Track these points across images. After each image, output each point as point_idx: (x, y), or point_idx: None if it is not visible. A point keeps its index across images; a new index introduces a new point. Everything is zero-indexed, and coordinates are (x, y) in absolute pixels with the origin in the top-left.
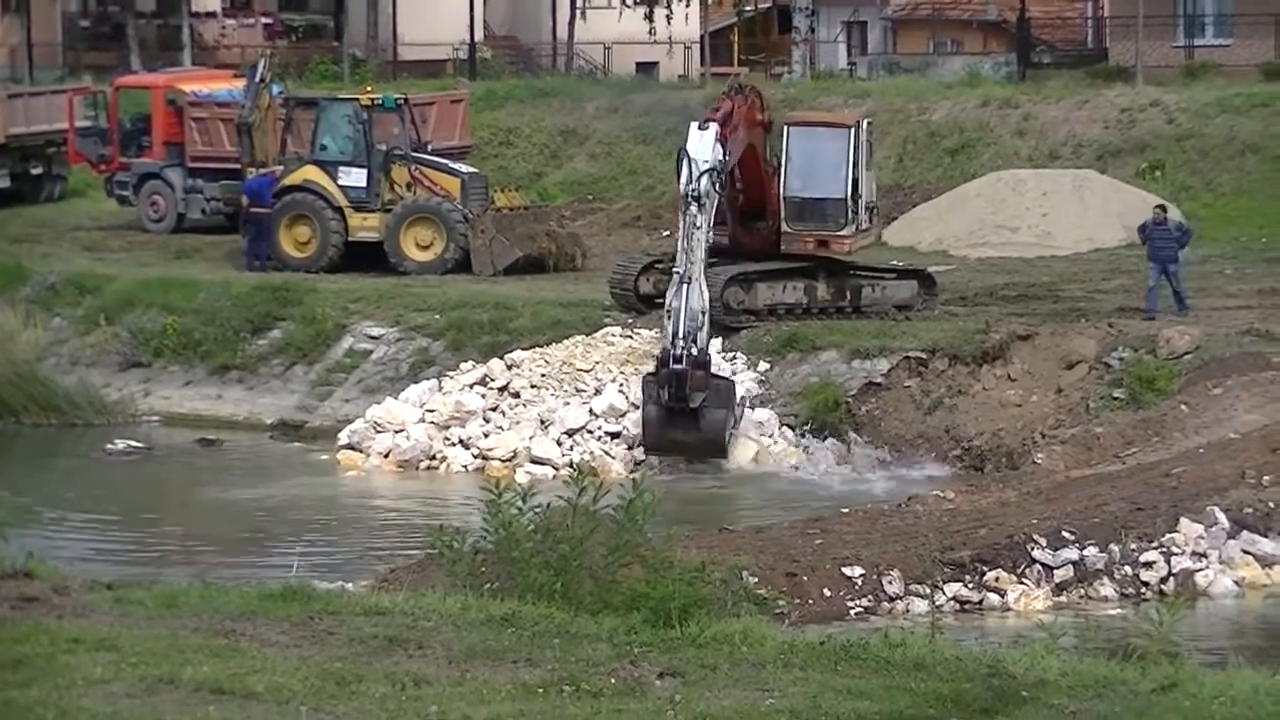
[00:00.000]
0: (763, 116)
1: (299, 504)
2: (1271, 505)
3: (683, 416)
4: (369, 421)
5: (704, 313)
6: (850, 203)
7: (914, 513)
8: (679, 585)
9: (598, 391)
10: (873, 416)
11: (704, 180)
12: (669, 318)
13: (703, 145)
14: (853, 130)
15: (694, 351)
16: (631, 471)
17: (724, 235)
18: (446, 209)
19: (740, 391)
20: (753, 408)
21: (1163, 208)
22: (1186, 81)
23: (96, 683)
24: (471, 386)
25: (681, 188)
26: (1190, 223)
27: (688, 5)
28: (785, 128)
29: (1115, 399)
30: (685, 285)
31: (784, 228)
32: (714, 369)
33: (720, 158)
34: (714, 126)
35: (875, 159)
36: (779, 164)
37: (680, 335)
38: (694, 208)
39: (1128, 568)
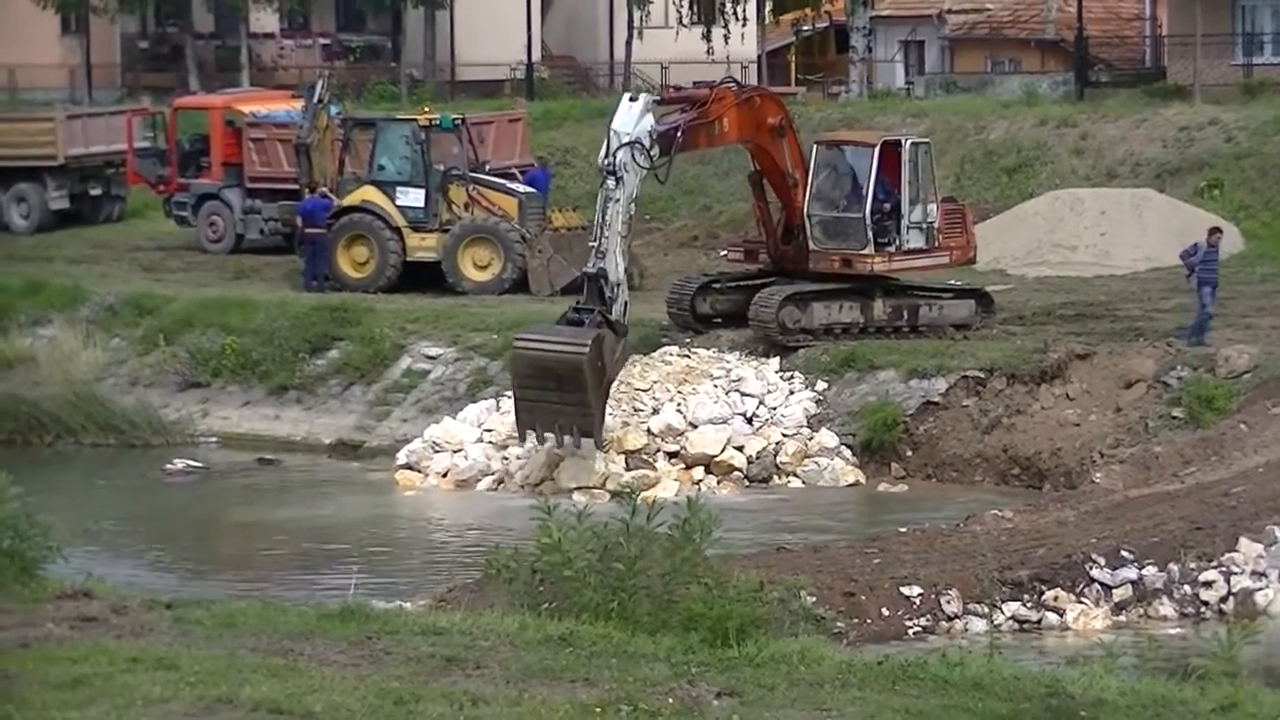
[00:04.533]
0: (777, 118)
1: (357, 524)
2: None
3: (571, 325)
4: (427, 441)
5: (619, 285)
6: (871, 222)
7: (972, 532)
8: (736, 605)
9: (655, 411)
10: (930, 436)
11: (621, 153)
12: (584, 283)
13: (628, 118)
14: (877, 149)
15: (607, 315)
16: (688, 491)
17: (764, 251)
18: (504, 229)
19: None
20: (813, 428)
21: (1218, 230)
22: (1245, 100)
23: (155, 702)
24: None
25: (600, 161)
26: (1249, 242)
27: (745, 25)
28: (814, 146)
29: (1174, 418)
30: (600, 258)
31: (811, 246)
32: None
33: (647, 129)
34: (644, 98)
35: (929, 178)
36: (800, 183)
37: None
38: (610, 181)
39: (1187, 587)
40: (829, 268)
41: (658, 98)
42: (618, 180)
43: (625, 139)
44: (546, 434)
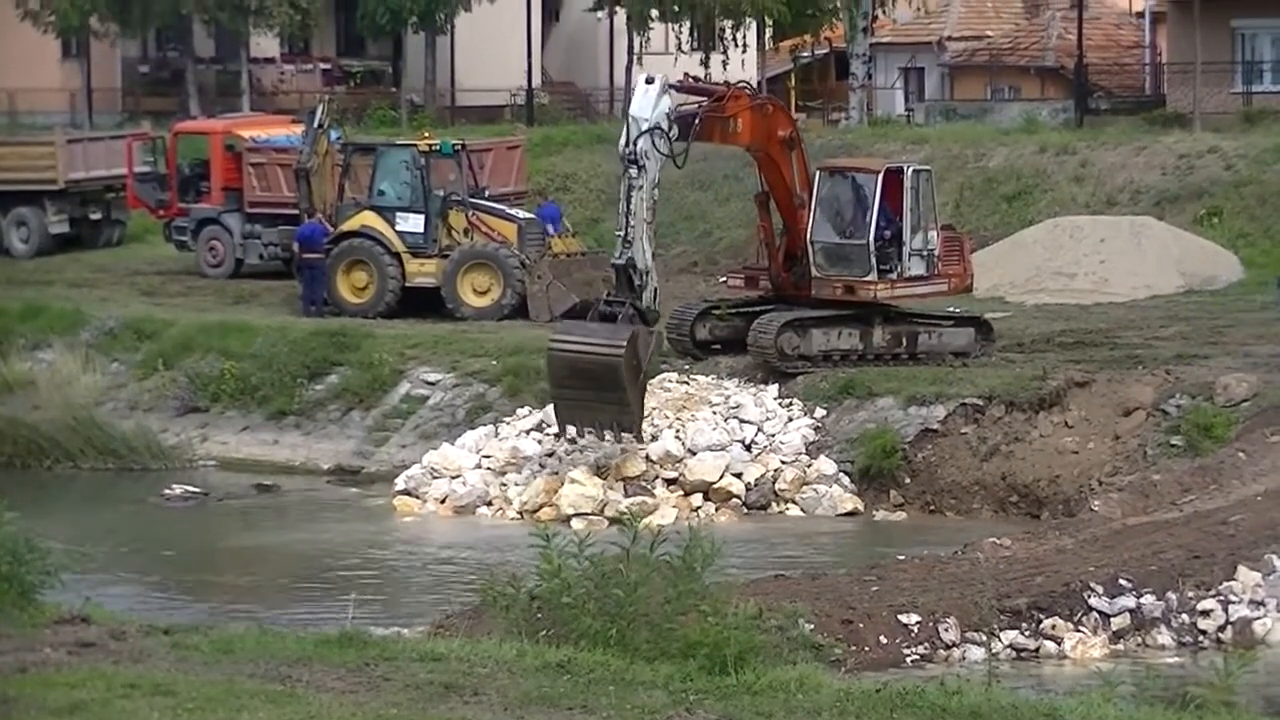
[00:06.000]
0: (786, 131)
1: (355, 549)
2: None
3: (605, 320)
4: (425, 467)
5: (648, 272)
6: (874, 249)
7: (971, 560)
8: (734, 632)
9: (654, 437)
10: (929, 463)
11: (642, 141)
12: (614, 275)
13: (645, 103)
14: (880, 176)
15: (637, 305)
16: (687, 517)
17: (765, 279)
18: (504, 255)
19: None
20: (812, 455)
21: None
22: (1244, 128)
23: None
24: (528, 432)
25: (620, 149)
26: (1249, 270)
27: (744, 51)
28: (816, 172)
29: (1173, 446)
30: (627, 247)
31: (814, 272)
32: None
33: (665, 112)
34: (659, 80)
35: (930, 205)
36: (806, 204)
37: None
38: (633, 170)
39: (1185, 616)
40: (831, 294)
41: (675, 82)
42: (640, 168)
43: (645, 125)
44: (586, 429)
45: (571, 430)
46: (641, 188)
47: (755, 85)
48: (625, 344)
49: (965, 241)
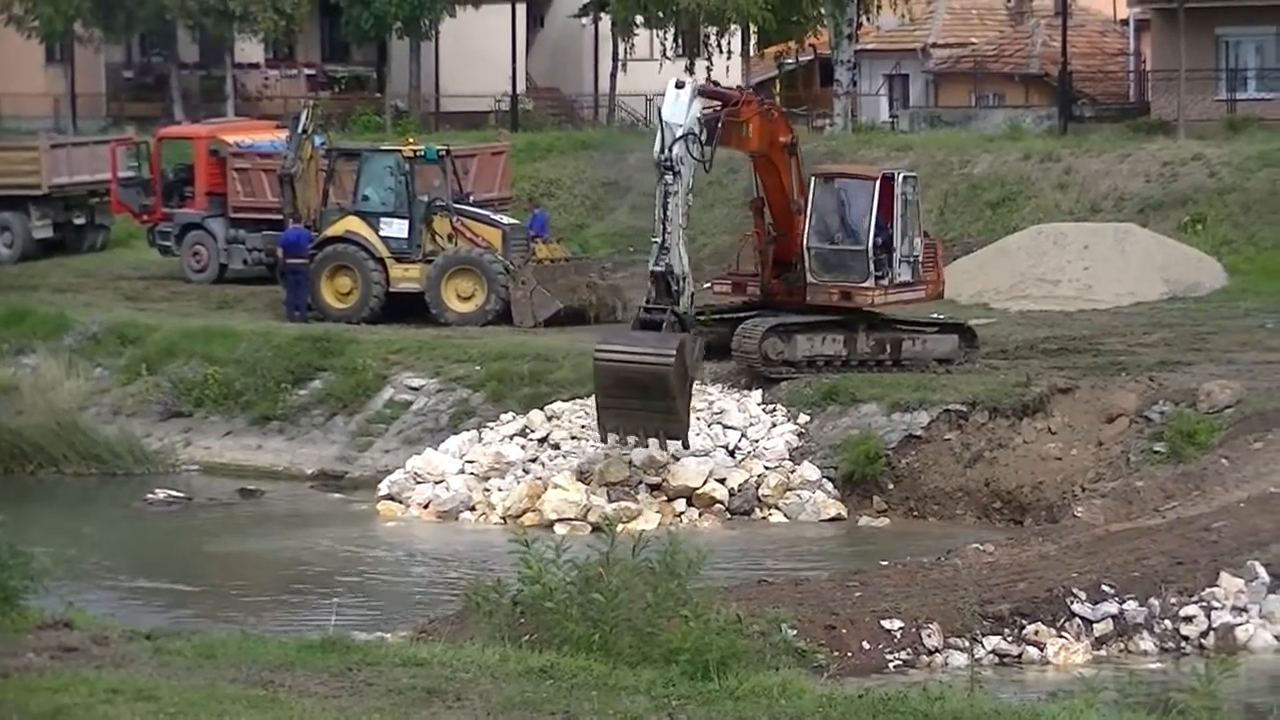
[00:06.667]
0: (787, 138)
1: (338, 554)
2: None
3: (647, 327)
4: (409, 472)
5: (685, 277)
6: (872, 255)
7: (953, 566)
8: (717, 637)
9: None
10: (912, 470)
11: (678, 148)
12: (651, 282)
13: (678, 108)
14: (878, 182)
15: (676, 310)
16: (670, 523)
17: (756, 285)
18: (488, 260)
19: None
20: (795, 461)
21: None
22: (1228, 135)
23: None
24: (511, 438)
25: (655, 155)
26: (1232, 277)
27: (729, 58)
28: (812, 179)
29: (1156, 453)
30: (665, 253)
31: (809, 278)
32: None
33: (698, 117)
34: (690, 84)
35: (915, 212)
36: (804, 210)
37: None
38: (668, 176)
39: (1168, 622)
40: (827, 300)
41: (702, 84)
42: (675, 174)
43: (680, 131)
44: (630, 437)
45: (613, 437)
46: (677, 193)
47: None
48: (675, 353)
49: (939, 248)
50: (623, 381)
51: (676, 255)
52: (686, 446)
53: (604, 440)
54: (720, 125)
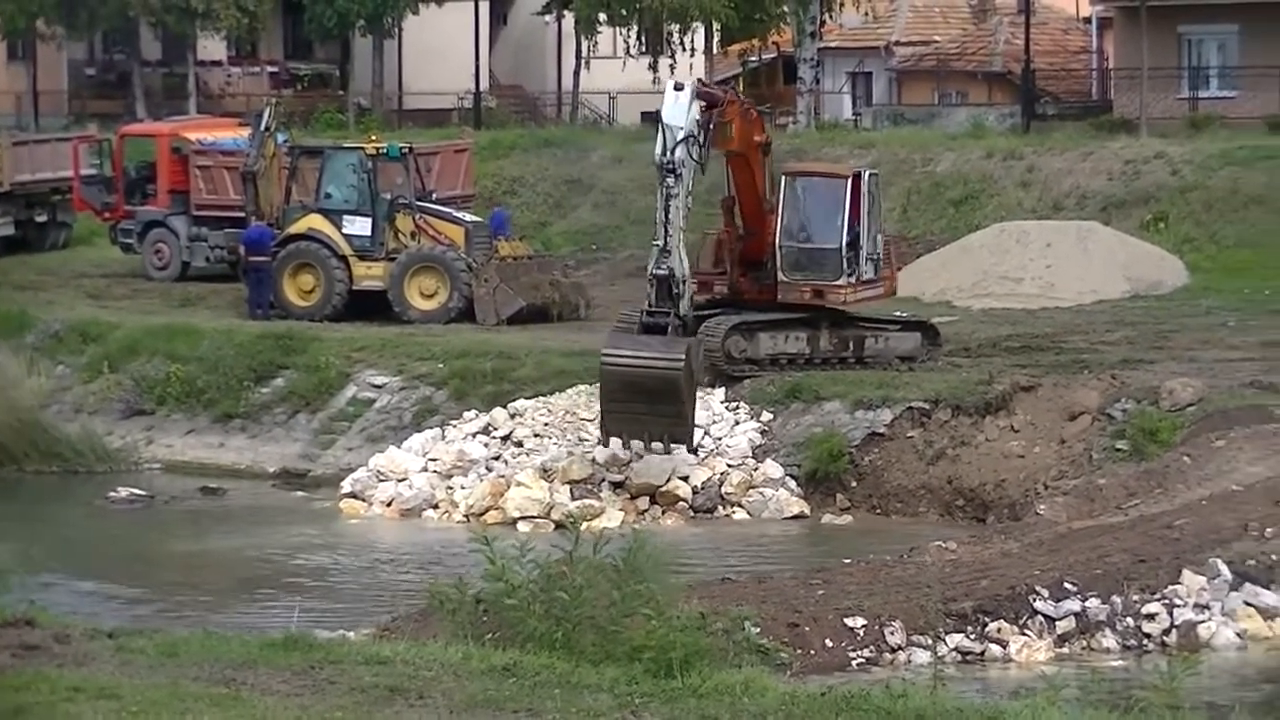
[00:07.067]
0: (761, 137)
1: (301, 552)
2: (1274, 558)
3: (652, 331)
4: (371, 470)
5: (685, 280)
6: (845, 253)
7: (917, 564)
8: (680, 635)
9: (600, 441)
10: (875, 467)
11: (679, 150)
12: (651, 285)
13: (678, 109)
14: (849, 181)
15: (678, 313)
16: (633, 521)
17: (724, 284)
18: (451, 258)
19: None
20: (758, 459)
21: None
22: (1191, 134)
23: None
24: (474, 436)
25: (657, 158)
26: (1194, 275)
27: (692, 55)
28: (782, 178)
29: (1118, 450)
30: (666, 257)
31: (781, 277)
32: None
33: (697, 119)
34: (689, 87)
35: (877, 209)
36: (775, 209)
37: (659, 299)
38: (670, 179)
39: (1130, 619)
40: (799, 298)
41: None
42: (677, 176)
43: (681, 133)
44: (635, 441)
45: (618, 442)
46: (678, 196)
47: None
48: (684, 357)
49: (894, 246)
50: (630, 385)
51: (678, 258)
52: (692, 450)
53: (606, 444)
54: (713, 126)
